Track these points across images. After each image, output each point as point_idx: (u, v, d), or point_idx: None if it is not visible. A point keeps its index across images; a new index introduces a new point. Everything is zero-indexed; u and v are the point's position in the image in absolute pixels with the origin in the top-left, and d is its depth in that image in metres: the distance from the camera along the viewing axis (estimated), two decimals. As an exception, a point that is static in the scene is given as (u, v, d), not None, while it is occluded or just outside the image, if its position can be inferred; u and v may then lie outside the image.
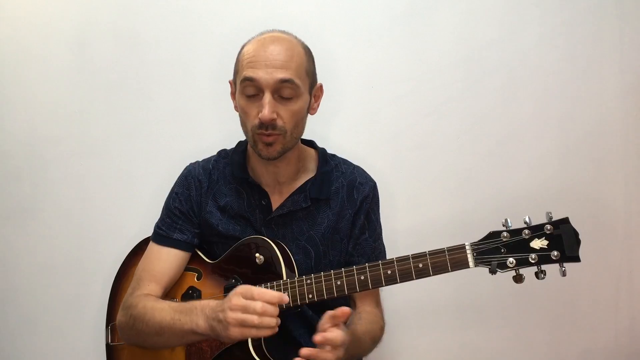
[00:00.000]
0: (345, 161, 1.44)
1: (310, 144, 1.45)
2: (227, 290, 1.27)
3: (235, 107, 1.32)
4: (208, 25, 1.71)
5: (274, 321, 1.08)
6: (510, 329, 1.74)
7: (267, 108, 1.21)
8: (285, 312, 1.25)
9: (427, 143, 1.71)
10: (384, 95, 1.71)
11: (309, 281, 1.20)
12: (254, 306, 1.07)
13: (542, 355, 1.74)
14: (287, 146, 1.28)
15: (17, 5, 1.72)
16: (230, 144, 1.46)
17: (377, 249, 1.41)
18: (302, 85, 1.25)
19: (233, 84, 1.32)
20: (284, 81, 1.22)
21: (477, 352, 1.74)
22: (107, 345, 1.42)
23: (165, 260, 1.34)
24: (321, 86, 1.36)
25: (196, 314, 1.16)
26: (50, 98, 1.74)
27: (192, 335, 1.18)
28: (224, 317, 1.09)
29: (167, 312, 1.21)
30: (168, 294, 1.36)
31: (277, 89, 1.22)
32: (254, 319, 1.07)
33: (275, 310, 1.08)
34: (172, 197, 1.40)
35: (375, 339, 1.33)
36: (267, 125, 1.23)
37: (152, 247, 1.37)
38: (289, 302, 1.13)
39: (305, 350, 1.09)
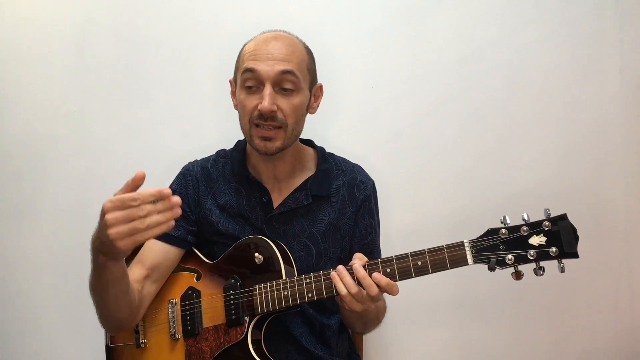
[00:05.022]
0: (344, 159, 1.45)
1: (309, 143, 1.45)
2: (227, 290, 1.27)
3: (235, 106, 1.34)
4: (208, 25, 1.71)
5: (164, 216, 0.95)
6: (510, 327, 1.73)
7: (267, 99, 1.22)
8: (285, 311, 1.25)
9: (427, 143, 1.71)
10: (384, 95, 1.71)
11: (308, 280, 1.20)
12: (137, 212, 0.94)
13: (542, 354, 1.74)
14: (287, 143, 1.29)
15: (17, 5, 1.73)
16: (230, 144, 1.46)
17: (378, 248, 1.44)
18: (302, 79, 1.26)
19: (233, 82, 1.34)
20: (285, 72, 1.23)
21: (476, 351, 1.74)
22: (107, 347, 1.41)
23: (156, 251, 1.33)
24: (321, 86, 1.38)
25: (93, 253, 1.07)
26: (50, 98, 1.74)
27: (104, 269, 1.08)
28: (106, 238, 0.96)
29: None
30: (168, 295, 1.36)
31: (278, 82, 1.24)
32: (138, 224, 0.94)
33: (161, 205, 0.95)
34: None
35: (379, 316, 1.35)
36: (266, 117, 1.23)
37: (147, 242, 1.36)
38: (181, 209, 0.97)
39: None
